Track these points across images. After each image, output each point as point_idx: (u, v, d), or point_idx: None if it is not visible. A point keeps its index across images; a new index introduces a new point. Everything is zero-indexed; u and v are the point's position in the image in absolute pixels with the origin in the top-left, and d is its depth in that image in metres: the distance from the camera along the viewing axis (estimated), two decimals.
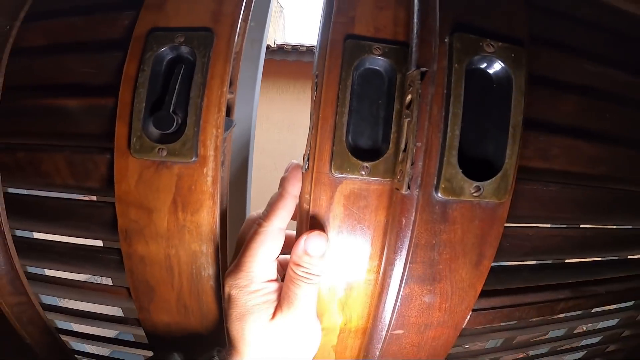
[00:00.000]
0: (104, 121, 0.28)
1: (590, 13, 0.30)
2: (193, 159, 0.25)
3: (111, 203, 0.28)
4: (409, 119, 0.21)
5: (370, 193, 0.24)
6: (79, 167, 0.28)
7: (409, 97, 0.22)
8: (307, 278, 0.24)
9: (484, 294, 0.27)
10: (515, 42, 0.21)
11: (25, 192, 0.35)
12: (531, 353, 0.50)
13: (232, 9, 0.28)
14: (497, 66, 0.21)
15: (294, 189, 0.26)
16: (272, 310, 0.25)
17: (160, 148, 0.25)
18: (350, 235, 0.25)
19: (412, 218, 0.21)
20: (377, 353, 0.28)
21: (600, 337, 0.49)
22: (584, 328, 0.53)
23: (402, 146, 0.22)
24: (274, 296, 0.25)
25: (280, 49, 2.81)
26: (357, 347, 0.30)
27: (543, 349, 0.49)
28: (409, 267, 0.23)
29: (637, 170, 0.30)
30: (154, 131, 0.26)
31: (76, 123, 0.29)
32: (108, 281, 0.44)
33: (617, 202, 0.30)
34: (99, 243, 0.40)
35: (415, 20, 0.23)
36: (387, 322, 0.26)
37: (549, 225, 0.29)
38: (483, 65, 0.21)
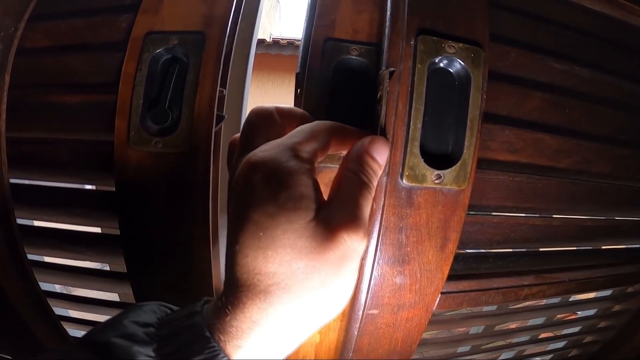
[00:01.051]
0: (105, 116, 0.30)
1: (557, 12, 0.32)
2: (187, 150, 0.28)
3: (110, 192, 0.31)
4: (379, 114, 0.24)
5: None
6: (81, 158, 0.31)
7: (379, 94, 0.24)
8: (369, 187, 0.18)
9: (453, 278, 0.29)
10: (475, 44, 0.24)
11: (28, 182, 0.38)
12: (514, 341, 0.52)
13: (222, 13, 0.30)
14: (457, 65, 0.23)
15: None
16: (312, 215, 0.16)
17: (156, 140, 0.28)
18: None
19: (381, 202, 0.24)
20: (356, 333, 0.30)
21: (579, 327, 0.51)
22: (578, 313, 0.54)
23: None
24: (314, 195, 0.17)
25: (276, 43, 2.84)
26: (338, 329, 0.32)
27: (524, 337, 0.51)
28: (380, 248, 0.25)
29: (600, 162, 0.32)
30: (151, 125, 0.28)
31: (79, 118, 0.31)
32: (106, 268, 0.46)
33: (581, 193, 0.32)
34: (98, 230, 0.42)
35: (387, 24, 0.25)
36: (362, 302, 0.28)
37: (516, 214, 0.31)
38: (445, 65, 0.24)
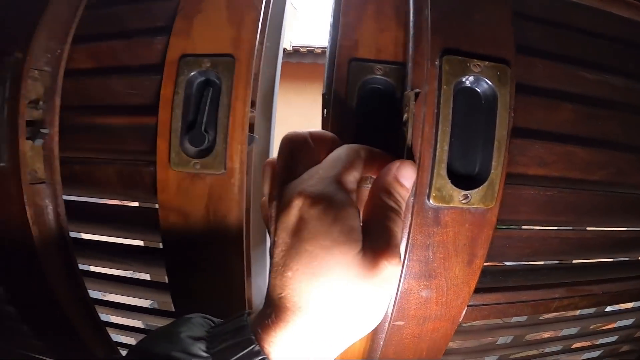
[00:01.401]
0: (147, 138, 0.32)
1: (585, 20, 0.31)
2: (223, 171, 0.30)
3: (153, 209, 0.33)
4: (405, 136, 0.24)
5: None
6: (127, 178, 0.33)
7: (405, 116, 0.24)
8: (400, 212, 0.20)
9: (480, 290, 0.29)
10: (501, 61, 0.24)
11: (79, 199, 0.41)
12: (546, 350, 0.51)
13: (250, 35, 0.32)
14: (484, 84, 0.24)
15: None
16: (359, 246, 0.18)
17: (195, 162, 0.30)
18: None
19: (409, 222, 0.24)
20: (381, 343, 0.31)
21: (616, 336, 0.49)
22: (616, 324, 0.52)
23: None
24: (359, 225, 0.19)
25: (296, 51, 2.85)
26: (364, 338, 0.33)
27: (556, 347, 0.50)
28: (407, 264, 0.25)
29: (635, 173, 0.31)
30: (190, 147, 0.30)
31: (123, 140, 0.34)
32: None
33: (615, 205, 0.31)
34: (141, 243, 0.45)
35: (410, 44, 0.26)
36: (389, 313, 0.29)
37: (547, 228, 0.31)
38: (471, 84, 0.24)
